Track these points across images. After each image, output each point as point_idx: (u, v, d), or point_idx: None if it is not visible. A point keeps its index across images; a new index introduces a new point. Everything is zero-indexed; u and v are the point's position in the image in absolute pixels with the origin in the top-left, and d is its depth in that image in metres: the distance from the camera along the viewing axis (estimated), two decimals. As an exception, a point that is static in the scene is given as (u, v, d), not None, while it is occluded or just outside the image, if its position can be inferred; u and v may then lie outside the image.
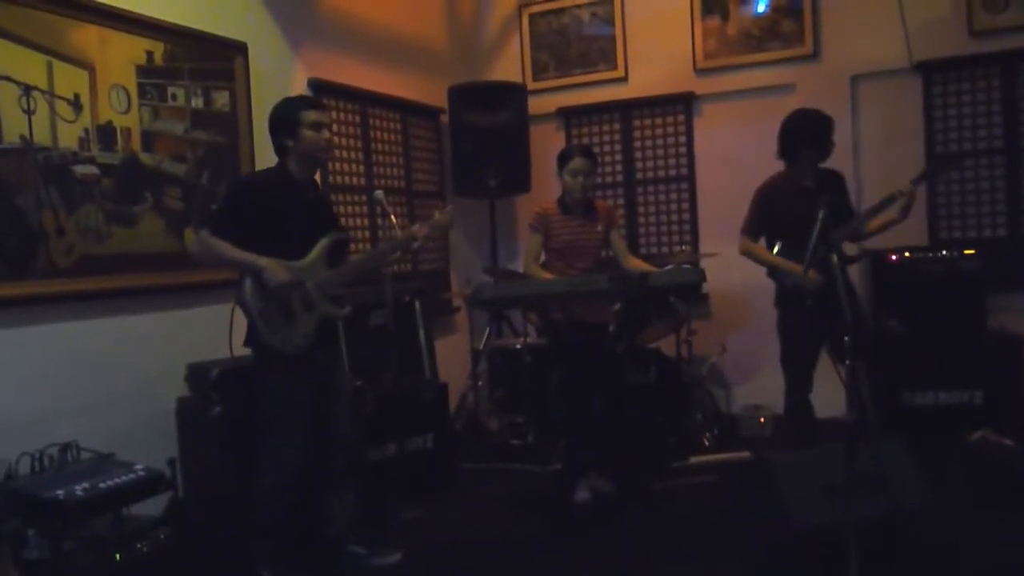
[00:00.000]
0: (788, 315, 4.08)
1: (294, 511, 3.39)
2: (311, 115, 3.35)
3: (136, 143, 3.80)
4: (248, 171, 4.27)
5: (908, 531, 3.29)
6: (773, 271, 4.08)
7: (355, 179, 5.35)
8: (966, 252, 4.95)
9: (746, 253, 4.16)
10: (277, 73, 4.67)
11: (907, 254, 5.00)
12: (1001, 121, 5.40)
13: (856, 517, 2.71)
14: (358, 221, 5.36)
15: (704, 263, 5.18)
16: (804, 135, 3.98)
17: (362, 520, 3.69)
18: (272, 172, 3.44)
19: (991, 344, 4.86)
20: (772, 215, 4.08)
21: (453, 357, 5.97)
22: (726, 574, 3.36)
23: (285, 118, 3.36)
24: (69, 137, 3.50)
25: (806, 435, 4.04)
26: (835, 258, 3.09)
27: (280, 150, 3.41)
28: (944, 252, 5.01)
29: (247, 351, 3.40)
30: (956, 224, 5.53)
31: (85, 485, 2.91)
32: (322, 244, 3.40)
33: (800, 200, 3.90)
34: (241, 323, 3.30)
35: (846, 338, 2.84)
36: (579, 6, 6.39)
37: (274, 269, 3.19)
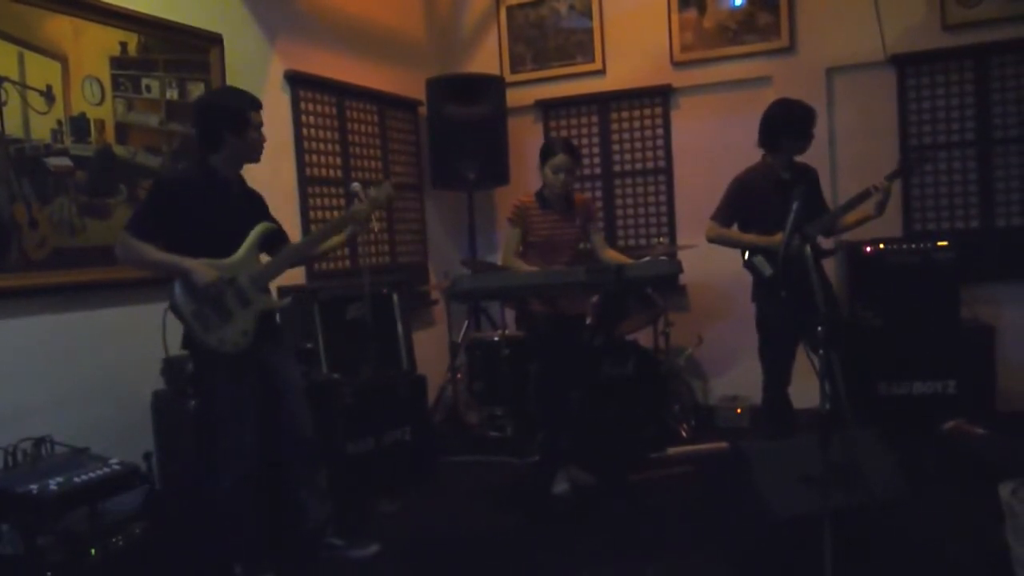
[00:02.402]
0: (766, 308, 4.10)
1: (256, 507, 3.35)
2: (259, 117, 3.30)
3: (110, 135, 3.77)
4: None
5: (882, 521, 3.32)
6: (750, 263, 4.10)
7: (332, 171, 5.33)
8: (940, 244, 4.99)
9: (715, 239, 4.16)
10: (253, 65, 4.64)
11: (881, 246, 5.04)
12: (974, 114, 5.46)
13: (831, 507, 2.74)
14: (335, 214, 5.33)
15: (681, 255, 5.21)
16: (786, 125, 4.00)
17: (340, 513, 3.69)
18: (194, 169, 3.31)
19: (964, 335, 4.91)
20: (747, 205, 4.10)
21: (431, 350, 5.96)
22: (703, 564, 3.38)
23: (235, 114, 3.24)
24: (42, 129, 3.46)
25: (784, 427, 4.07)
26: (808, 249, 3.11)
27: (213, 142, 3.25)
28: (918, 244, 5.05)
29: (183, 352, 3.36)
30: (930, 216, 5.59)
31: (59, 479, 2.89)
32: (252, 237, 3.31)
33: (776, 191, 3.93)
34: (177, 325, 3.22)
35: (819, 328, 2.87)
36: (557, -1, 6.40)
37: (200, 269, 3.10)
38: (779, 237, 3.83)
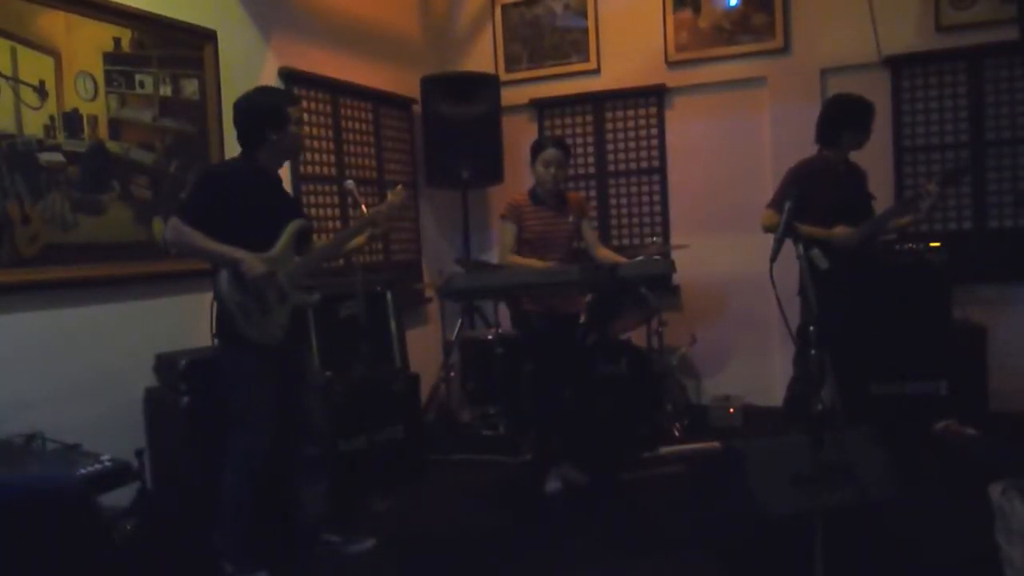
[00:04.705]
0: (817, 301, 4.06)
1: (261, 501, 3.36)
2: (296, 111, 3.40)
3: (103, 131, 3.76)
4: (217, 160, 4.25)
5: (874, 520, 3.33)
6: (806, 257, 4.06)
7: (326, 169, 5.32)
8: (932, 244, 5.00)
9: (771, 228, 4.10)
10: (247, 61, 4.63)
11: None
12: (967, 116, 5.47)
13: (823, 507, 2.74)
14: (329, 211, 5.33)
15: (675, 255, 5.21)
16: (848, 119, 4.03)
17: (334, 510, 3.69)
18: (240, 162, 3.39)
19: (956, 335, 4.91)
20: (803, 195, 4.07)
21: (425, 348, 5.96)
22: (695, 563, 3.38)
23: (273, 111, 3.33)
24: (34, 124, 3.45)
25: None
26: (801, 248, 3.12)
27: (256, 140, 3.34)
28: (910, 244, 5.06)
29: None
30: (922, 216, 5.59)
31: (50, 476, 2.87)
32: (288, 233, 3.37)
33: (832, 184, 3.93)
34: (204, 314, 3.26)
35: (811, 328, 2.87)
36: (552, -2, 6.39)
37: (251, 261, 3.17)
38: (838, 229, 3.84)
